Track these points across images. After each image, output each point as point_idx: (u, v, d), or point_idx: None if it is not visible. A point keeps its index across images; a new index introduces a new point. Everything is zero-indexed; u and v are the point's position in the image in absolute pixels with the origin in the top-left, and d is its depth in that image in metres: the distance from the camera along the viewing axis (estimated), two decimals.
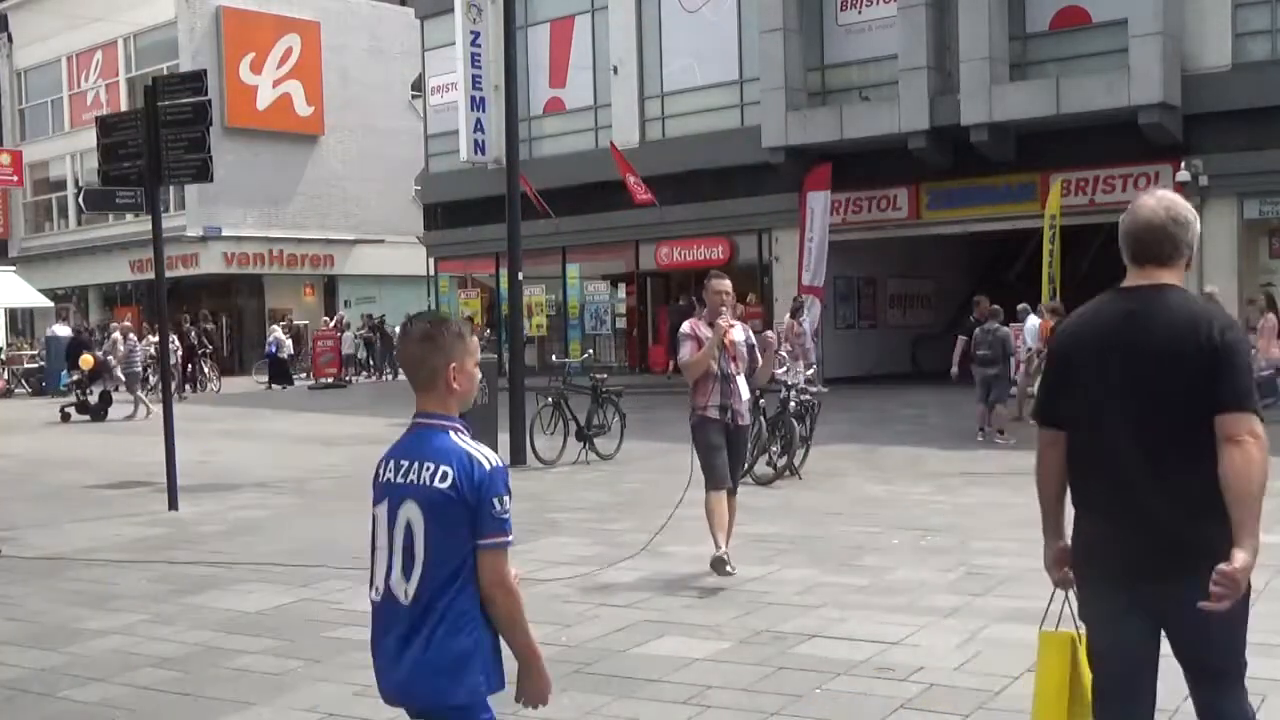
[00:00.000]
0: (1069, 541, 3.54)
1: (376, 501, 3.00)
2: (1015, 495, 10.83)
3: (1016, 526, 9.16)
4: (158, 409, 21.58)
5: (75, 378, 23.56)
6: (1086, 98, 19.81)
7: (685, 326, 7.73)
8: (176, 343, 27.21)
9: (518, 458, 13.79)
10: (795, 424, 12.10)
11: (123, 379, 22.88)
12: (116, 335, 23.84)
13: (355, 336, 34.40)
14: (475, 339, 3.15)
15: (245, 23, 38.31)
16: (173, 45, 37.77)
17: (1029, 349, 18.47)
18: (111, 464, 15.02)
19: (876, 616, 6.57)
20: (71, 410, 22.17)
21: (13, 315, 38.98)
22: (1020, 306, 19.62)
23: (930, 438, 15.72)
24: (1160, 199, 3.53)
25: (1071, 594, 3.56)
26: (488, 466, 2.93)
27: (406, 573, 2.90)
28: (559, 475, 13.02)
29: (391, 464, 3.00)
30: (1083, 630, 3.54)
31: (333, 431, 19.00)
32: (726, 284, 7.70)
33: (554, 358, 22.09)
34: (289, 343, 32.22)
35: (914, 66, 21.55)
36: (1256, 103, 19.19)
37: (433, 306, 32.69)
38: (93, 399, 22.48)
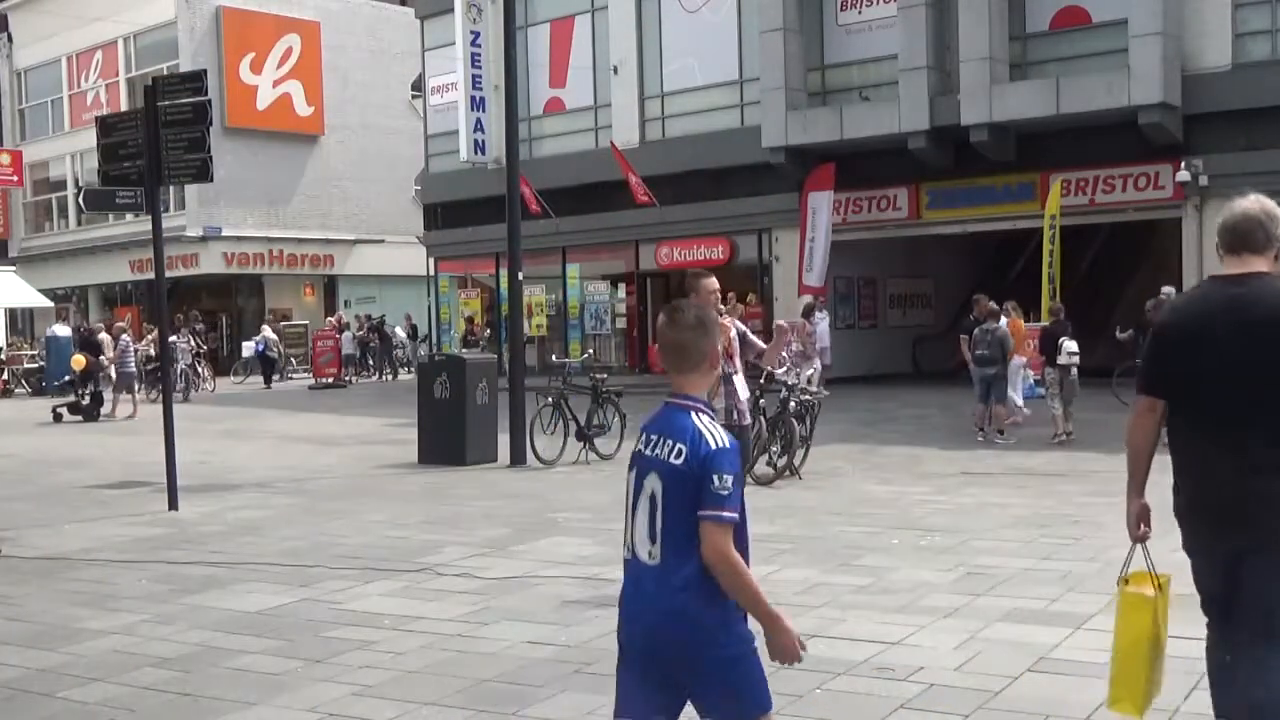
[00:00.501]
0: (1147, 501, 4.10)
1: (630, 469, 3.33)
2: (1015, 495, 10.84)
3: (1016, 526, 9.18)
4: (145, 409, 21.80)
5: (68, 378, 23.55)
6: (1086, 98, 19.82)
7: None
8: (192, 342, 27.76)
9: (518, 458, 13.80)
10: (795, 424, 12.09)
11: (113, 379, 22.84)
12: (104, 336, 23.78)
13: (353, 337, 34.42)
14: None
15: (245, 23, 38.31)
16: (173, 45, 37.77)
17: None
18: (111, 464, 15.02)
19: (876, 616, 6.56)
20: (64, 410, 22.14)
21: (13, 315, 38.98)
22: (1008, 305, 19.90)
23: (930, 438, 15.73)
24: (1255, 197, 3.91)
25: (1149, 547, 4.21)
26: (714, 445, 3.14)
27: (651, 537, 3.24)
28: (559, 475, 13.02)
29: (644, 437, 3.31)
30: (1161, 579, 4.27)
31: (332, 431, 19.01)
32: (716, 282, 7.40)
33: (554, 358, 22.10)
34: (278, 341, 32.92)
35: (914, 66, 21.55)
36: (1256, 103, 19.20)
37: (432, 307, 32.73)
38: (85, 399, 22.42)
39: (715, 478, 3.10)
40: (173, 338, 26.25)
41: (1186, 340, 3.80)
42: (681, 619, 3.18)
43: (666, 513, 3.19)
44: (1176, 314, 3.99)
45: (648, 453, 3.26)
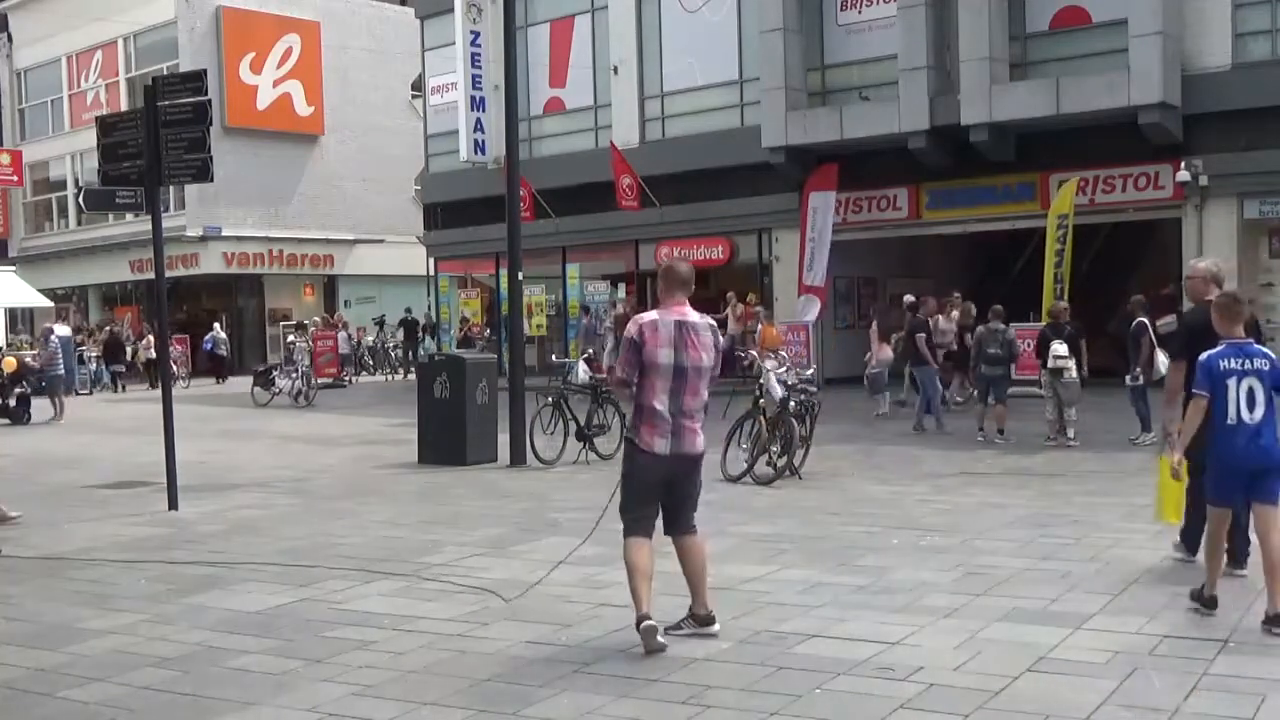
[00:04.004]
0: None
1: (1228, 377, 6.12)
2: (1015, 495, 10.85)
3: (1016, 526, 9.18)
4: (76, 410, 21.65)
5: None
6: (1086, 98, 19.81)
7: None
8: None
9: (518, 458, 13.79)
10: (795, 424, 12.09)
11: (43, 382, 22.62)
12: (53, 336, 23.74)
13: (349, 337, 34.46)
14: None
15: (245, 23, 38.30)
16: (173, 45, 37.77)
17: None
18: (111, 464, 15.02)
19: (876, 616, 6.56)
20: None
21: (13, 315, 38.97)
22: (907, 299, 20.33)
23: (930, 438, 15.73)
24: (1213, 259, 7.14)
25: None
26: None
27: (1251, 409, 6.09)
28: (559, 475, 13.02)
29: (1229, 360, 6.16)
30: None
31: (332, 431, 19.00)
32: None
33: (554, 358, 22.09)
34: (225, 340, 34.71)
35: (914, 66, 21.54)
36: (1256, 103, 19.18)
37: (432, 306, 32.72)
38: (12, 401, 21.94)
39: None
40: (292, 338, 26.42)
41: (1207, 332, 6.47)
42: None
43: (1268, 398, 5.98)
44: (1199, 316, 6.95)
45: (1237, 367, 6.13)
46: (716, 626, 6.18)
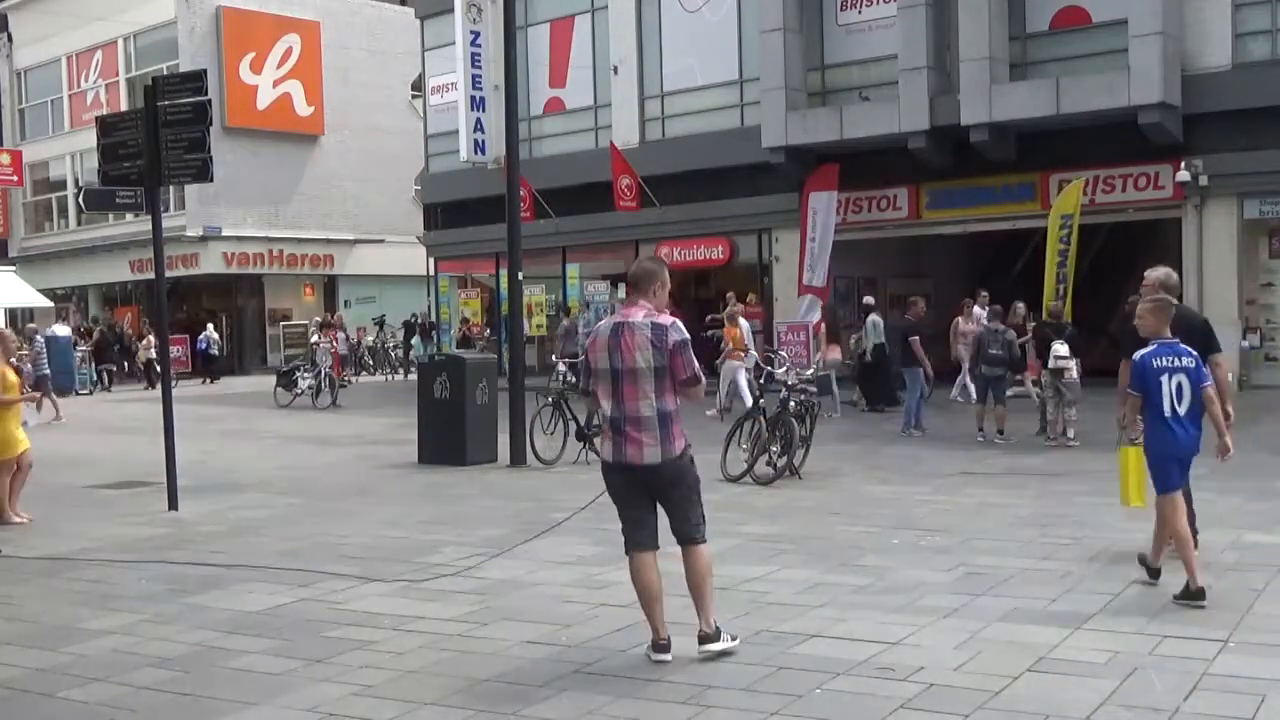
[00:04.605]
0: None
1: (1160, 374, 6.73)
2: (1015, 495, 10.84)
3: (1016, 526, 9.18)
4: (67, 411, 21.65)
5: None
6: (1086, 98, 19.81)
7: (682, 326, 6.02)
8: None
9: (518, 458, 13.79)
10: (795, 424, 12.08)
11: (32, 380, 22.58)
12: (38, 336, 23.75)
13: (348, 338, 34.50)
14: None
15: (245, 22, 38.30)
16: (173, 45, 37.77)
17: (874, 344, 18.94)
18: (111, 464, 15.02)
19: (876, 616, 6.56)
20: None
21: (12, 315, 38.97)
22: (866, 300, 20.83)
23: (930, 438, 15.72)
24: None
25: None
26: None
27: (1180, 403, 6.71)
28: (559, 475, 13.02)
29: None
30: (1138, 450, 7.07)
31: (332, 431, 19.00)
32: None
33: (554, 357, 22.08)
34: (217, 339, 34.79)
35: (914, 66, 21.54)
36: (1256, 103, 19.19)
37: (432, 306, 32.73)
38: None
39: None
40: (315, 338, 26.32)
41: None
42: None
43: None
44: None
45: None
46: (718, 646, 5.84)
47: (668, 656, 5.80)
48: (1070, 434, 14.32)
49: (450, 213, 30.61)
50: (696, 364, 5.85)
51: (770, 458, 12.05)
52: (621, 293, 28.14)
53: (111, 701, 5.50)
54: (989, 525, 9.26)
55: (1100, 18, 20.67)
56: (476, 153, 28.28)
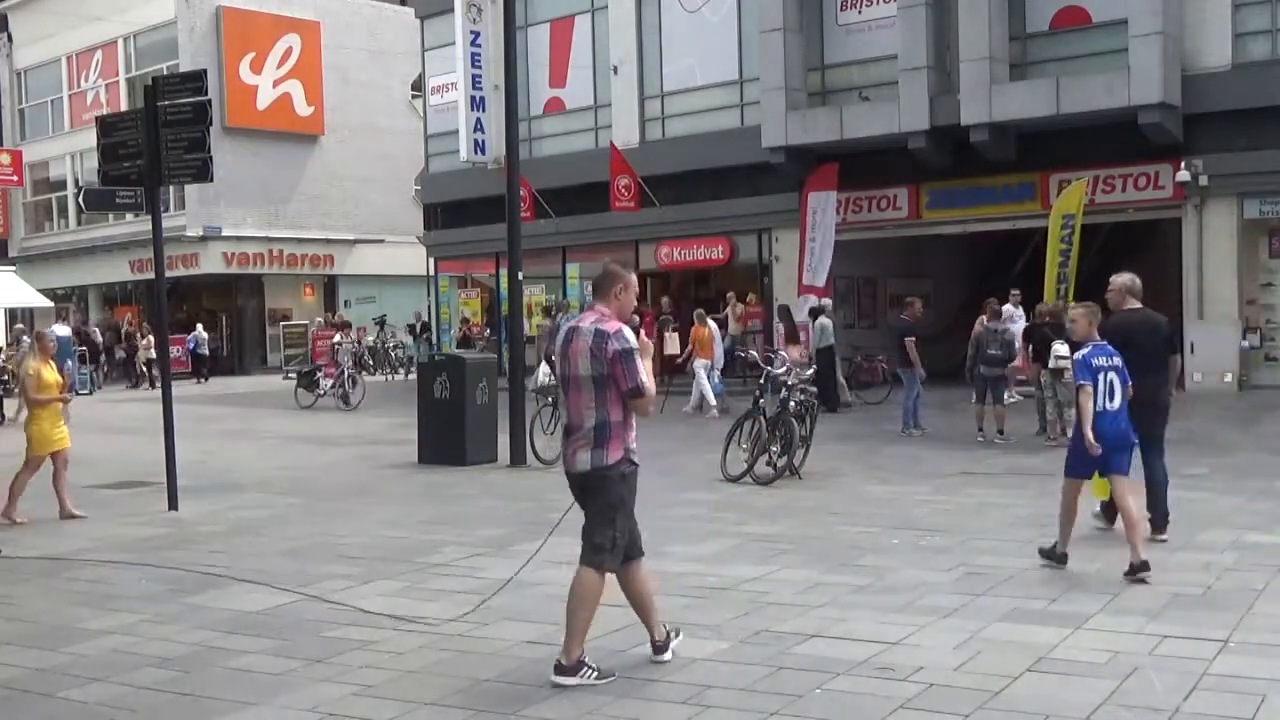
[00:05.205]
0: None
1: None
2: (1015, 495, 10.84)
3: (1016, 526, 9.18)
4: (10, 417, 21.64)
5: None
6: (1086, 98, 19.80)
7: (631, 336, 5.60)
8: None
9: (518, 458, 13.79)
10: (795, 424, 12.08)
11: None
12: (25, 339, 23.76)
13: (374, 340, 34.54)
14: None
15: (245, 22, 38.30)
16: (173, 45, 37.77)
17: (821, 347, 18.97)
18: (111, 464, 15.02)
19: (876, 616, 6.56)
20: None
21: (12, 315, 38.96)
22: (814, 306, 20.85)
23: (930, 438, 15.71)
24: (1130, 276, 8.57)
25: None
26: None
27: (1111, 398, 7.52)
28: (559, 475, 12.95)
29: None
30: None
31: (332, 431, 19.00)
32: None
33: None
34: (207, 339, 35.18)
35: (914, 66, 21.54)
36: (1256, 103, 19.19)
37: (432, 306, 32.73)
38: None
39: None
40: (337, 338, 26.26)
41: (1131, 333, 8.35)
42: None
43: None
44: (1122, 321, 8.54)
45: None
46: (571, 680, 5.46)
47: (666, 657, 5.83)
48: (1070, 434, 14.29)
49: (450, 213, 30.60)
50: (642, 375, 5.51)
51: (770, 458, 12.05)
52: None
53: (111, 701, 5.50)
54: (989, 525, 9.27)
55: (1100, 18, 20.66)
56: (476, 153, 28.28)
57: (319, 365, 25.44)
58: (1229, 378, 19.76)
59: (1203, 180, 19.78)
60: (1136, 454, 7.98)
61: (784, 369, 12.79)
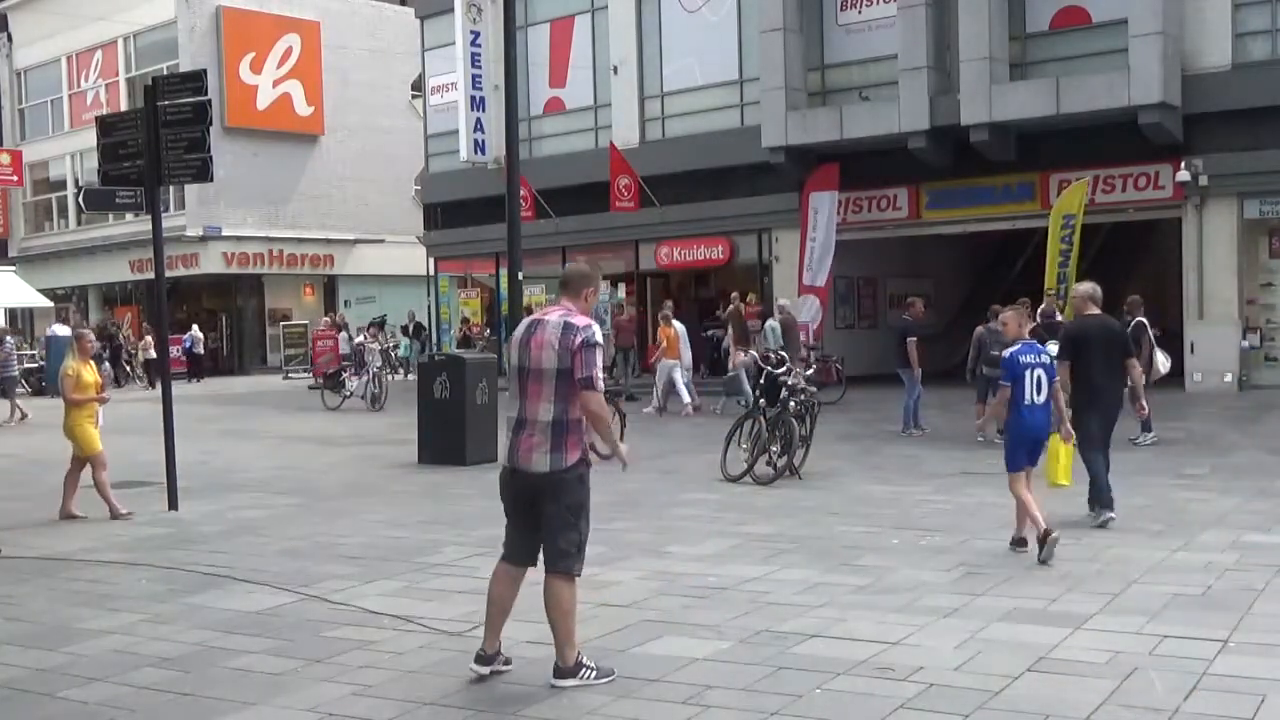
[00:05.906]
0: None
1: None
2: None
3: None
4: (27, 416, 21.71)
5: None
6: (1086, 98, 19.81)
7: (599, 333, 5.56)
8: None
9: None
10: (795, 424, 12.08)
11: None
12: (8, 339, 23.66)
13: (349, 338, 34.46)
14: None
15: (245, 22, 38.32)
16: (173, 45, 37.79)
17: (769, 350, 18.93)
18: (111, 464, 14.95)
19: (876, 616, 6.56)
20: None
21: (12, 315, 38.99)
22: (779, 303, 20.73)
23: (930, 438, 15.71)
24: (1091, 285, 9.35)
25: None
26: None
27: (1038, 394, 7.95)
28: None
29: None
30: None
31: (332, 431, 19.00)
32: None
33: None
34: (201, 339, 35.30)
35: (914, 66, 21.55)
36: (1256, 103, 19.20)
37: (432, 307, 32.74)
38: None
39: None
40: (361, 338, 26.25)
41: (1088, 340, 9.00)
42: None
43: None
44: (1080, 328, 9.19)
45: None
46: (572, 682, 5.45)
47: (485, 670, 5.61)
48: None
49: (450, 213, 30.61)
50: (597, 372, 5.40)
51: (770, 458, 12.05)
52: (621, 293, 28.26)
53: (111, 701, 5.49)
54: (989, 525, 9.26)
55: (1100, 18, 20.67)
56: (476, 153, 28.29)
57: (344, 366, 25.26)
58: (1229, 378, 19.77)
59: (1203, 180, 19.79)
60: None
61: (783, 369, 12.78)
